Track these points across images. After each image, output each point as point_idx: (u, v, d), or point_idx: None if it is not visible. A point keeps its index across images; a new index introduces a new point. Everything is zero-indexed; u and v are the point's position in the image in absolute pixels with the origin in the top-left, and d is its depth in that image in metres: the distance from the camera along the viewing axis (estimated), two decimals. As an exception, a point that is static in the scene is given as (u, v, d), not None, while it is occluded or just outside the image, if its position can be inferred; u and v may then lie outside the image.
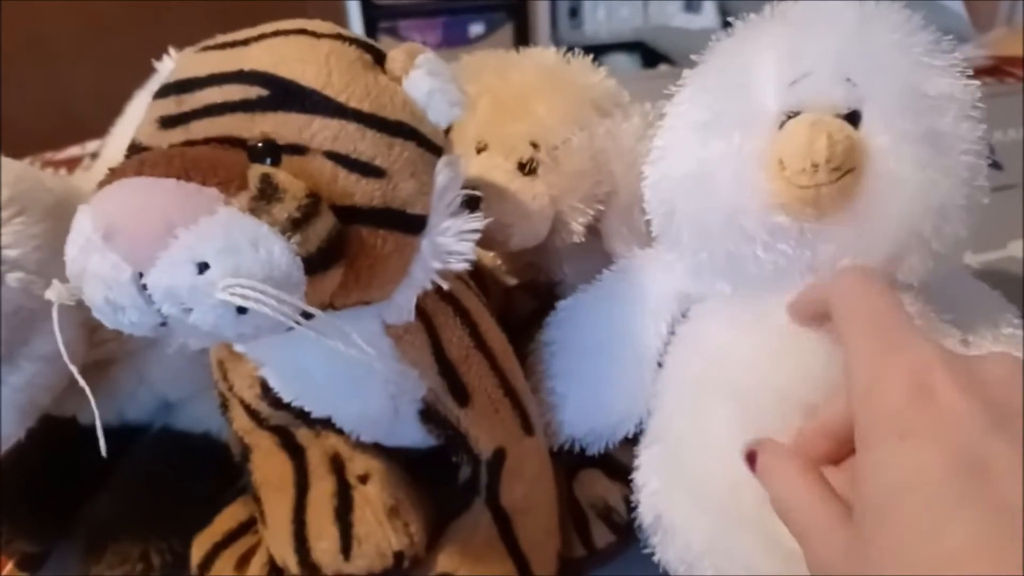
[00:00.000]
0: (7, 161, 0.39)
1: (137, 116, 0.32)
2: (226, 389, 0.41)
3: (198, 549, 0.41)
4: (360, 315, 0.33)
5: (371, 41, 0.32)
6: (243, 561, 0.41)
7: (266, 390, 0.38)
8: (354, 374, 0.35)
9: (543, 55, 0.46)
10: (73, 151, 0.92)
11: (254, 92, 0.29)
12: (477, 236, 0.32)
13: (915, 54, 0.32)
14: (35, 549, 0.45)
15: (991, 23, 1.42)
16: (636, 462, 0.38)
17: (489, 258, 0.50)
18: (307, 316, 0.26)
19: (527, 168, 0.42)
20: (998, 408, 0.22)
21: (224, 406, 0.42)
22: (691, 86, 0.36)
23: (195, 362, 0.45)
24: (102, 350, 0.43)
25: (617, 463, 0.43)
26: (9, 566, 0.44)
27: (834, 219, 0.31)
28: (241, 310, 0.25)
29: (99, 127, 0.57)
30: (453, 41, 1.98)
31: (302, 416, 0.38)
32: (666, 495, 0.36)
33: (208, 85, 0.30)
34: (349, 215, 0.29)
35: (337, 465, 0.41)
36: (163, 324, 0.25)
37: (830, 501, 0.25)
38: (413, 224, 0.31)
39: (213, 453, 0.46)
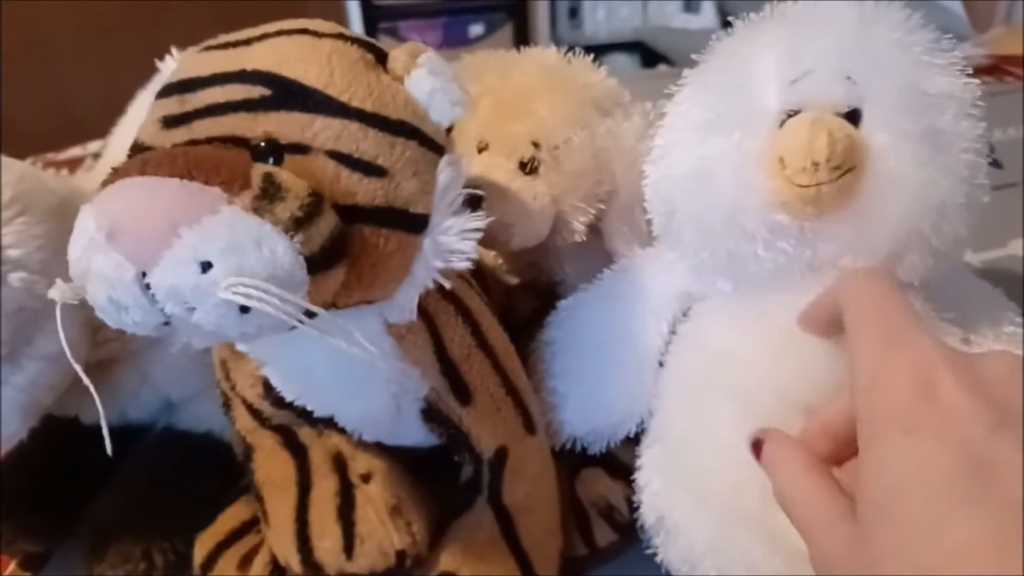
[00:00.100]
0: (10, 161, 0.40)
1: (139, 116, 0.32)
2: (228, 388, 0.41)
3: (201, 548, 0.41)
4: (362, 314, 0.33)
5: (373, 41, 0.33)
6: (246, 560, 0.41)
7: (268, 389, 0.38)
8: (356, 373, 0.35)
9: (544, 55, 0.46)
10: (75, 152, 0.92)
11: (257, 92, 0.29)
12: (479, 235, 0.33)
13: (915, 53, 0.32)
14: (38, 549, 0.45)
15: (990, 22, 1.42)
16: (638, 462, 0.38)
17: (490, 257, 0.50)
18: (310, 315, 0.26)
19: (528, 167, 0.42)
20: (1000, 407, 0.22)
21: (226, 405, 0.42)
22: (692, 85, 0.36)
23: (198, 362, 0.45)
24: (105, 350, 0.43)
25: (619, 462, 0.43)
26: (12, 566, 0.44)
27: (834, 217, 0.31)
28: (244, 309, 0.25)
29: (99, 127, 0.57)
30: (453, 41, 1.98)
31: (304, 415, 0.38)
32: (668, 495, 0.36)
33: (211, 85, 0.30)
34: (351, 214, 0.29)
35: (339, 464, 0.41)
36: (166, 323, 0.26)
37: (834, 496, 0.25)
38: (415, 223, 0.31)
39: (216, 452, 0.46)
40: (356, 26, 1.84)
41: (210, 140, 0.29)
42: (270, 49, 0.30)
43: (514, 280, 0.52)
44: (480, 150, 0.43)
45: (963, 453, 0.21)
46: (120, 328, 0.26)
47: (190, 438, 0.47)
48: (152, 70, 0.36)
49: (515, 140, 0.42)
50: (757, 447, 0.29)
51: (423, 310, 0.35)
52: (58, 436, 0.44)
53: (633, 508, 0.38)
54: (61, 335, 0.27)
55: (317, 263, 0.27)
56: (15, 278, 0.36)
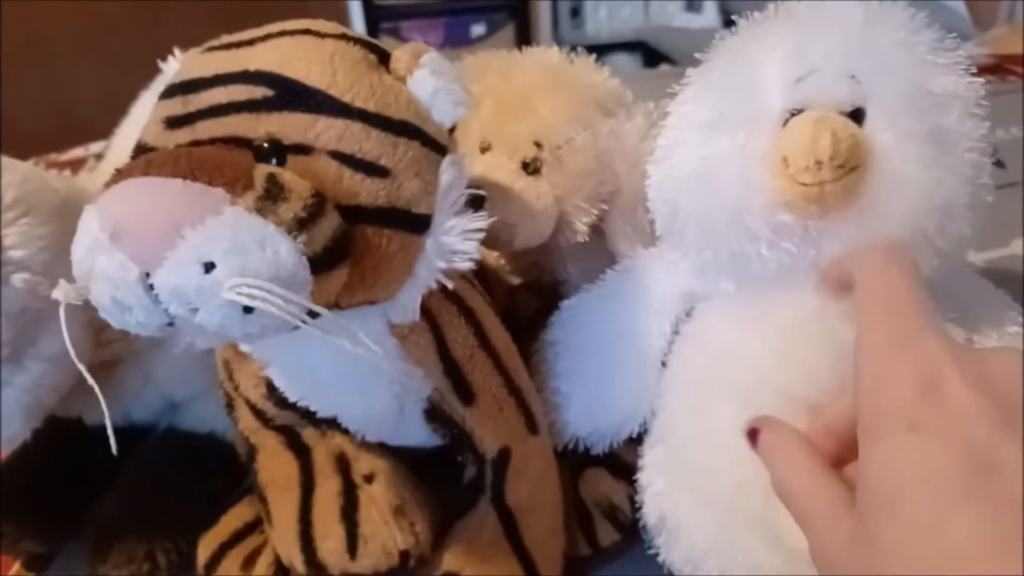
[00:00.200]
0: (13, 162, 0.39)
1: (142, 117, 0.32)
2: (232, 389, 0.41)
3: (204, 549, 0.41)
4: (365, 315, 0.33)
5: (375, 41, 0.33)
6: (249, 561, 0.41)
7: (272, 390, 0.38)
8: (360, 373, 0.35)
9: (546, 55, 0.46)
10: (77, 152, 0.92)
11: (259, 92, 0.29)
12: (481, 235, 0.32)
13: (919, 52, 0.32)
14: (41, 549, 0.45)
15: (992, 21, 1.42)
16: (640, 462, 0.38)
17: (493, 258, 0.50)
18: (313, 315, 0.26)
19: (531, 168, 0.42)
20: (1005, 405, 0.22)
21: (230, 406, 0.42)
22: (695, 85, 0.36)
23: (201, 362, 0.45)
24: (108, 350, 0.43)
25: (622, 462, 0.43)
26: (16, 566, 0.45)
27: (838, 217, 0.31)
28: (247, 309, 0.25)
29: (99, 127, 0.57)
30: (455, 41, 1.98)
31: (308, 416, 0.38)
32: (670, 495, 0.36)
33: (214, 85, 0.30)
34: (354, 215, 0.29)
35: (343, 464, 0.41)
36: (170, 324, 0.26)
37: (834, 486, 0.25)
38: (418, 223, 0.31)
39: (219, 453, 0.46)
40: (358, 26, 1.84)
41: (213, 141, 0.29)
42: (273, 50, 0.30)
43: (517, 280, 0.52)
44: (483, 150, 0.43)
45: (966, 452, 0.21)
46: (124, 329, 0.26)
47: (193, 438, 0.47)
48: (153, 70, 0.36)
49: (517, 140, 0.42)
50: (753, 436, 0.29)
51: (426, 310, 0.35)
52: (61, 437, 0.44)
53: (636, 508, 0.38)
54: (65, 336, 0.27)
55: (320, 263, 0.27)
56: (18, 279, 0.36)
